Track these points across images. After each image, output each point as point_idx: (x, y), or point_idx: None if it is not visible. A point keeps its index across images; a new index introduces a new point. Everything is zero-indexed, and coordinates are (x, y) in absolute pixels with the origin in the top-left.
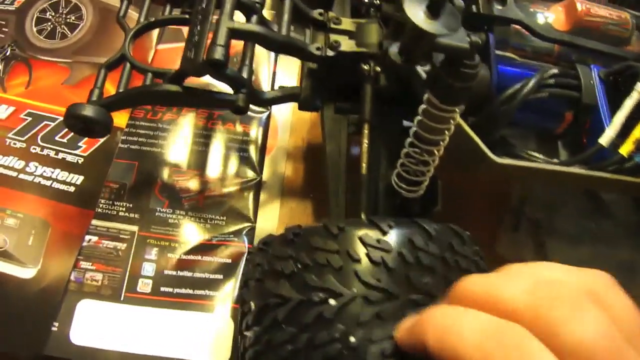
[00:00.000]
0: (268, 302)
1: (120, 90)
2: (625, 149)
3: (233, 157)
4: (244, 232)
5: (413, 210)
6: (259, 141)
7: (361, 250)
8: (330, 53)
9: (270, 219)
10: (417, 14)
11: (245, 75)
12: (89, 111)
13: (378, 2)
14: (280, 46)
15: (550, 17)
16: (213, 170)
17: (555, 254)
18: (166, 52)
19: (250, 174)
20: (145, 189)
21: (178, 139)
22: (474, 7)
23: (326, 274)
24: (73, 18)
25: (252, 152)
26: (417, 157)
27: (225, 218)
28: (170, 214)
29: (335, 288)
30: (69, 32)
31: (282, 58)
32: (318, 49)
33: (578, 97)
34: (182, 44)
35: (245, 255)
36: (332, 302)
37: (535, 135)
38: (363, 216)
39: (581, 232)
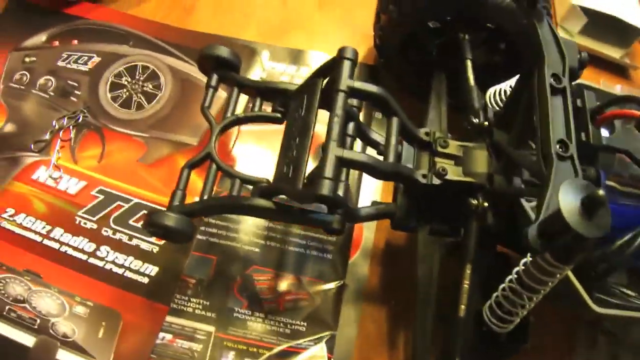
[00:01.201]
0: None
1: (205, 197)
2: None
3: (315, 258)
4: (325, 339)
5: (499, 340)
6: (343, 242)
7: None
8: (436, 181)
9: (351, 325)
10: (573, 213)
11: (341, 193)
12: (171, 221)
13: (487, 124)
14: (387, 175)
15: None
16: (294, 271)
17: None
18: (249, 133)
19: (332, 277)
20: (223, 287)
21: (258, 234)
22: (583, 135)
23: None
24: (151, 87)
25: (335, 253)
26: (516, 300)
27: (305, 324)
28: (249, 316)
29: None
30: (145, 103)
31: None
32: (424, 176)
33: None
34: (266, 127)
35: None
36: None
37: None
38: None
39: None
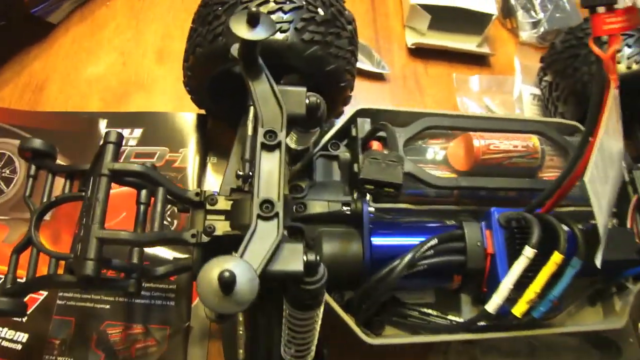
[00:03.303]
0: None
1: (29, 277)
2: (518, 310)
3: (159, 306)
4: None
5: None
6: (185, 288)
7: None
8: (204, 239)
9: None
10: (211, 293)
11: (135, 260)
12: (1, 305)
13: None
14: (153, 243)
15: (441, 154)
16: (142, 321)
17: None
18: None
19: (177, 321)
20: (83, 344)
21: (108, 292)
22: (355, 167)
23: None
24: (7, 172)
25: (178, 299)
26: (293, 341)
27: None
28: None
29: None
30: (5, 187)
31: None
32: (193, 235)
33: (464, 262)
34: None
35: None
36: None
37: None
38: None
39: (518, 345)
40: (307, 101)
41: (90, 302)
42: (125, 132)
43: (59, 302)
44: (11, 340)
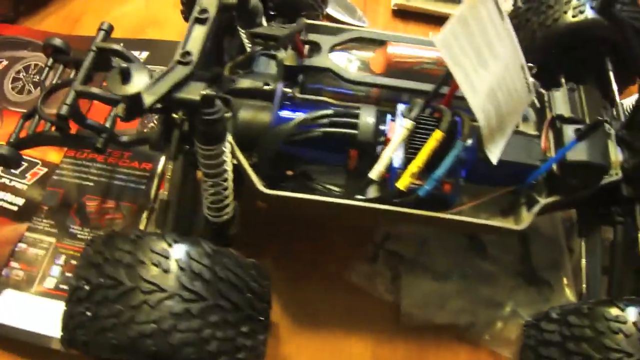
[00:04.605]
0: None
1: (29, 134)
2: (402, 183)
3: (132, 188)
4: None
5: (229, 230)
6: (157, 177)
7: (148, 255)
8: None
9: None
10: (116, 86)
11: (108, 124)
12: (3, 150)
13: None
14: (117, 102)
15: (358, 64)
16: (115, 198)
17: (412, 286)
18: None
19: (144, 202)
20: (65, 211)
21: (92, 173)
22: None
23: (122, 268)
24: (37, 78)
25: (150, 185)
26: (209, 189)
27: None
28: (79, 231)
29: (122, 278)
30: (33, 89)
31: None
32: None
33: (355, 135)
34: None
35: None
36: (119, 287)
37: (345, 171)
38: (159, 231)
39: (451, 268)
40: None
41: (78, 179)
42: (135, 53)
43: (54, 177)
44: (10, 203)
